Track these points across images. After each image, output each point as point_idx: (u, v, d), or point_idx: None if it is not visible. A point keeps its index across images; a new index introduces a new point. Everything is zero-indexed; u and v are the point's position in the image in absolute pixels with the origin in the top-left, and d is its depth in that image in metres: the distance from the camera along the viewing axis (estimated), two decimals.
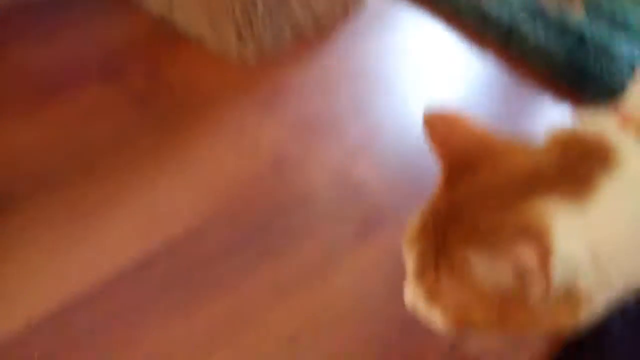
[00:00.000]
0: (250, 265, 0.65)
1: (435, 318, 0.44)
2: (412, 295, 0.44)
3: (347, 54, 1.00)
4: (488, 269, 0.38)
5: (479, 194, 0.42)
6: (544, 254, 0.35)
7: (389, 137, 0.82)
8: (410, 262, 0.44)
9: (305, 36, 1.04)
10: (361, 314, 0.61)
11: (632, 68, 0.86)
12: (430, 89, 0.94)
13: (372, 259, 0.66)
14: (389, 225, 0.69)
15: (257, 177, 0.75)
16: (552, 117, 0.88)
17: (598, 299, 0.40)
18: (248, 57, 0.96)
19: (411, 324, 0.50)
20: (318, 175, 0.75)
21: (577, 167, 0.41)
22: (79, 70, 0.97)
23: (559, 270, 0.36)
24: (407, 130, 0.84)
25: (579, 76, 0.91)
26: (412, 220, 0.46)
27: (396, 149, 0.81)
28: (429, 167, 0.50)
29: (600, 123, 0.45)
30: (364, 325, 0.60)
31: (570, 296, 0.37)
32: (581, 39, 0.93)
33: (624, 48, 0.91)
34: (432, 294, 0.42)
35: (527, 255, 0.35)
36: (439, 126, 0.47)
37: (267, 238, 0.67)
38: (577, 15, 0.87)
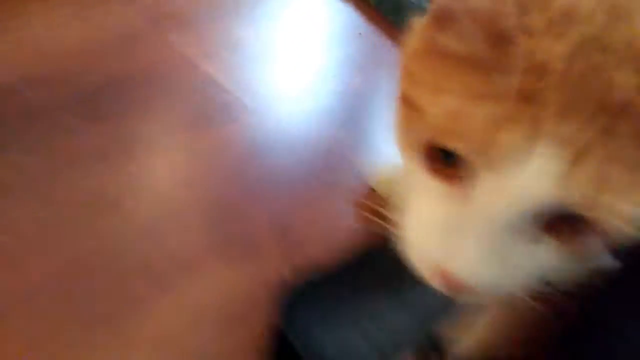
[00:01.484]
0: (75, 128, 0.61)
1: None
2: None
3: None
4: None
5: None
6: None
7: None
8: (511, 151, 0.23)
9: None
10: (193, 189, 0.58)
11: None
12: None
13: (214, 142, 0.64)
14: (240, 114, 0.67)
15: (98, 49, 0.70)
16: None
17: None
18: None
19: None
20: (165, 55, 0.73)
21: None
22: None
23: None
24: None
25: None
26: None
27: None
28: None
29: None
30: (196, 190, 0.58)
31: None
32: None
33: None
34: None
35: None
36: None
37: (96, 103, 0.64)
38: None
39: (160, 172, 0.60)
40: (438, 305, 0.41)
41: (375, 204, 0.33)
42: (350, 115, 0.71)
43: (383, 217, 0.31)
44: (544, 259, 0.26)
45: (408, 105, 0.27)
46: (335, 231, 0.56)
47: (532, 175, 0.22)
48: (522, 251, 0.25)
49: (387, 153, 0.60)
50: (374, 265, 0.43)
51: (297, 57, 0.78)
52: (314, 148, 0.65)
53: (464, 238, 0.25)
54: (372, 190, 0.58)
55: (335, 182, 0.62)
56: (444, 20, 0.26)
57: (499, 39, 0.23)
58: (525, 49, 0.22)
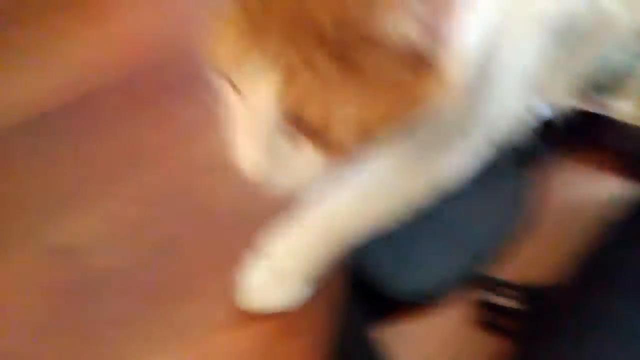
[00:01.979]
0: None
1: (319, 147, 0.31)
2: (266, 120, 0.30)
3: None
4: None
5: None
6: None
7: None
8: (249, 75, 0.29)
9: None
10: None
11: None
12: None
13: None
14: None
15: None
16: None
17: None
18: None
19: None
20: None
21: None
22: None
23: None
24: None
25: None
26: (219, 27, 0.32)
27: None
28: None
29: None
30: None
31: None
32: None
33: None
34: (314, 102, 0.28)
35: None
36: None
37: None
38: None
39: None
40: (482, 242, 0.49)
41: None
42: None
43: None
44: (311, 159, 0.31)
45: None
46: None
47: (264, 91, 0.28)
48: (291, 150, 0.31)
49: None
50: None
51: None
52: None
53: (248, 139, 0.31)
54: None
55: None
56: None
57: None
58: None
